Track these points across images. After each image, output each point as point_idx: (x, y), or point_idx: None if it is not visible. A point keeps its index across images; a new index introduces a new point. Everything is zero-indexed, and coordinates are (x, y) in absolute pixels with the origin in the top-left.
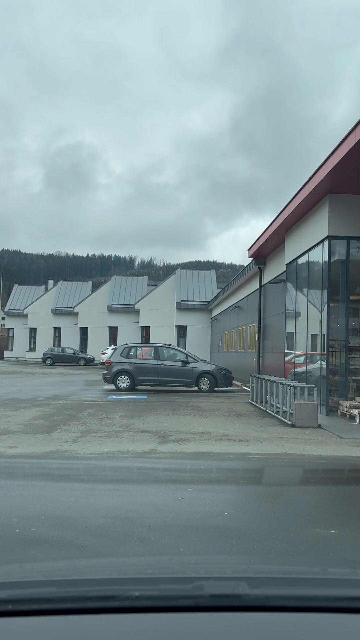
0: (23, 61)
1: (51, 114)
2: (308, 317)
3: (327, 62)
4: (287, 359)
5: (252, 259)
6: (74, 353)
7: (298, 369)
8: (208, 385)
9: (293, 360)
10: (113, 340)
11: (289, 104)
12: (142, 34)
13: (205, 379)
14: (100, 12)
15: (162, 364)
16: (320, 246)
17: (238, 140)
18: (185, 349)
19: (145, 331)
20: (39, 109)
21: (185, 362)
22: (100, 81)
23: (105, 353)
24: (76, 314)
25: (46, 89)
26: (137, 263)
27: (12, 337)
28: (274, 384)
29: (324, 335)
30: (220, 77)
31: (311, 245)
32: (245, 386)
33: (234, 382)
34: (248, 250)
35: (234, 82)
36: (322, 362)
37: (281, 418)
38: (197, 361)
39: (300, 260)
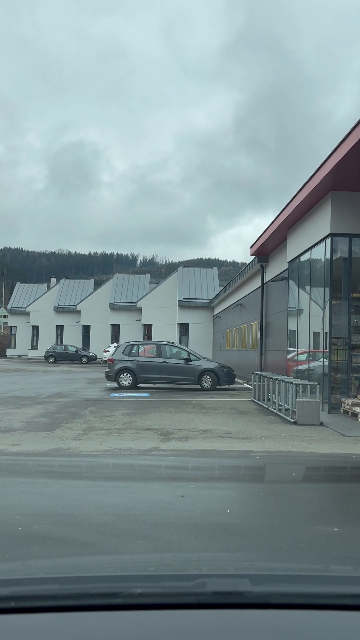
0: (26, 58)
1: (54, 112)
2: (310, 314)
3: (331, 58)
4: (289, 356)
5: (254, 256)
6: (76, 351)
7: (300, 367)
8: (210, 383)
9: (295, 358)
10: (115, 338)
11: (293, 101)
12: (145, 32)
13: (208, 376)
14: (104, 10)
15: (165, 362)
16: (323, 244)
17: (242, 137)
18: (188, 346)
19: (148, 329)
20: (42, 106)
21: (188, 360)
22: (103, 79)
23: (108, 351)
24: (78, 312)
25: (49, 87)
26: (139, 261)
27: (15, 335)
28: (276, 381)
29: (327, 332)
30: (224, 75)
31: (313, 242)
32: (248, 384)
33: (236, 379)
34: (250, 247)
35: (238, 79)
36: (325, 360)
37: (283, 416)
38: (200, 359)
39: (303, 258)
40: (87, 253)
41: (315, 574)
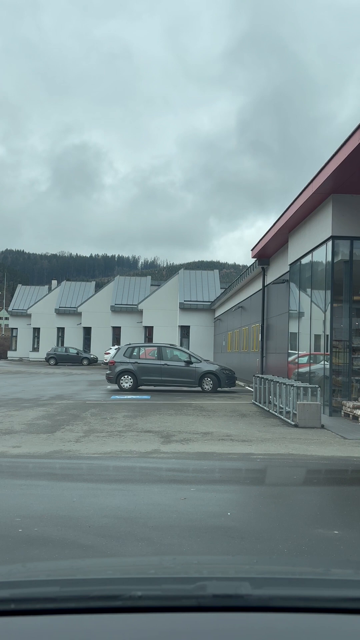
0: (30, 61)
1: (57, 114)
2: (311, 317)
3: (335, 61)
4: (290, 359)
5: (255, 259)
6: (77, 353)
7: (301, 370)
8: (211, 386)
9: (296, 360)
10: (116, 340)
11: (297, 104)
12: (149, 35)
13: (209, 379)
14: (108, 12)
15: (165, 364)
16: (324, 246)
17: (245, 140)
18: (189, 349)
19: (149, 331)
20: (45, 108)
21: (189, 362)
22: (107, 81)
23: (109, 353)
24: (79, 314)
25: (53, 89)
26: (140, 263)
27: (16, 337)
28: (277, 384)
29: (328, 335)
30: (227, 78)
31: (315, 245)
32: (249, 386)
33: (237, 382)
34: (251, 250)
35: (241, 82)
36: (326, 363)
37: (284, 418)
38: (200, 361)
39: (304, 261)
40: (88, 255)
41: (316, 577)
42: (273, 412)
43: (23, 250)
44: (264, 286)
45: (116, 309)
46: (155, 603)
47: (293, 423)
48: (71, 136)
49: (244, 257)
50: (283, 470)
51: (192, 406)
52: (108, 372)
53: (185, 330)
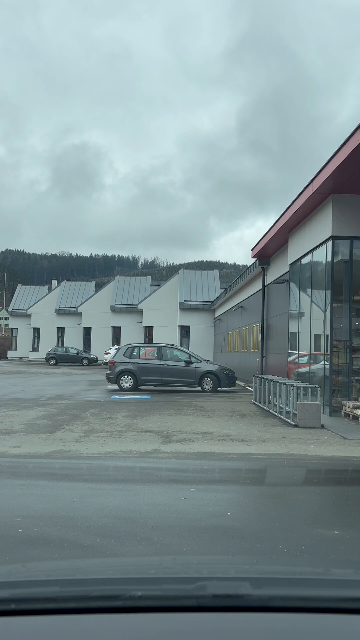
0: (30, 61)
1: (57, 114)
2: (311, 317)
3: (335, 61)
4: (290, 359)
5: (255, 259)
6: (77, 353)
7: (301, 369)
8: (211, 386)
9: (296, 360)
10: (116, 340)
11: (297, 104)
12: (149, 35)
13: (209, 379)
14: (108, 12)
15: (165, 364)
16: (324, 246)
17: (245, 140)
18: (189, 349)
19: (149, 331)
20: (45, 108)
21: (189, 362)
22: (107, 81)
23: (109, 353)
24: (79, 314)
25: (53, 89)
26: (140, 263)
27: (16, 337)
28: (277, 384)
29: (328, 335)
30: (227, 78)
31: (315, 245)
32: (249, 386)
33: (237, 382)
34: (251, 250)
35: (242, 82)
36: (326, 363)
37: (284, 418)
38: (200, 361)
39: (304, 261)
40: (88, 255)
41: (316, 577)
42: (273, 412)
43: (23, 250)
44: (264, 286)
45: (116, 309)
46: (155, 603)
47: (293, 423)
48: (71, 136)
49: (244, 257)
50: (283, 470)
51: (192, 406)
52: (108, 372)
53: (185, 330)
